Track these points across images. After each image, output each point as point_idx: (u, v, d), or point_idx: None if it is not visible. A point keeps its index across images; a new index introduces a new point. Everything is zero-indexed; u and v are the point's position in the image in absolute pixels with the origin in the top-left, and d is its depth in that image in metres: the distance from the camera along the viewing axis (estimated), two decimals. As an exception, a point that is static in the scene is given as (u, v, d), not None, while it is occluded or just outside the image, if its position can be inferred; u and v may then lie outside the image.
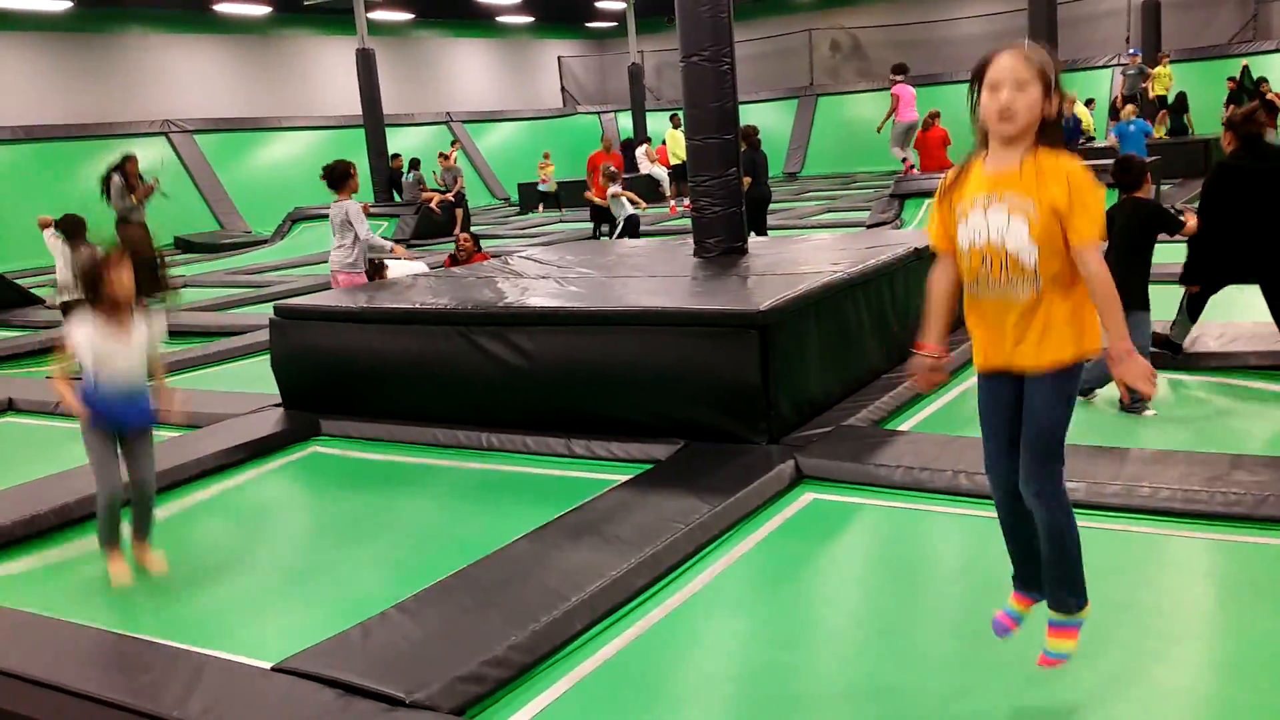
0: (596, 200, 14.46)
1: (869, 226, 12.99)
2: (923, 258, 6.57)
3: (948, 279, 2.59)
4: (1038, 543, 2.63)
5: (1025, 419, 2.48)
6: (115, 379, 3.93)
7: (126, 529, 4.22)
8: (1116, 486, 4.02)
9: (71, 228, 8.68)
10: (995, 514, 2.72)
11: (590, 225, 15.28)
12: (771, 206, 17.79)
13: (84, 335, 3.90)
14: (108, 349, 3.90)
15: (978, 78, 2.41)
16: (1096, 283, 2.38)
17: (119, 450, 4.07)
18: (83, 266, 3.88)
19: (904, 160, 15.39)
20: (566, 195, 20.83)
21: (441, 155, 19.99)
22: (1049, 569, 2.63)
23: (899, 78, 15.21)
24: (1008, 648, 2.98)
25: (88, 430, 4.00)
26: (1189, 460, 4.21)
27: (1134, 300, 4.92)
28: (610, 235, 14.98)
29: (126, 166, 11.38)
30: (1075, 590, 2.63)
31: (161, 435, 6.11)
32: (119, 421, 4.01)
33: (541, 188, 21.90)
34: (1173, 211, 5.44)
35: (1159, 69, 19.29)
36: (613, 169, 13.99)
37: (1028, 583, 2.77)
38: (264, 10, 23.52)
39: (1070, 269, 2.41)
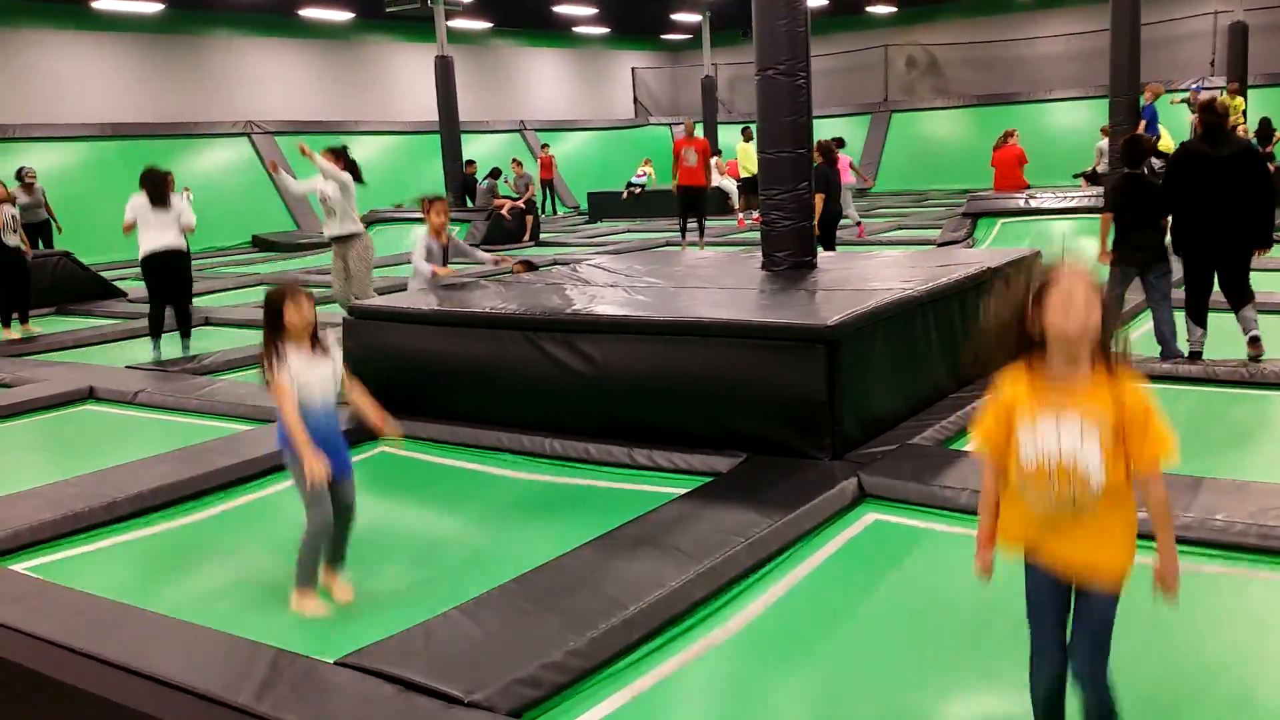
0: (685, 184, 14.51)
1: (940, 244, 12.85)
2: (995, 278, 6.48)
3: (998, 487, 2.57)
4: None
5: (1082, 612, 2.49)
6: (315, 412, 3.84)
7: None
8: (1189, 518, 3.92)
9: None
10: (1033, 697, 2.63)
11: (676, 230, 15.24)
12: (841, 222, 17.74)
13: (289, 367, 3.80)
14: (305, 378, 3.82)
15: (1039, 295, 2.40)
16: (1160, 506, 2.43)
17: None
18: (266, 301, 3.88)
19: (856, 223, 15.66)
20: (651, 203, 21.23)
21: (516, 161, 20.19)
22: None
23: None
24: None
25: (295, 461, 3.85)
26: (1266, 492, 4.10)
27: (1155, 254, 6.29)
28: (700, 233, 14.95)
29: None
30: None
31: (228, 428, 6.27)
32: (325, 449, 3.84)
33: (639, 180, 22.45)
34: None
35: (1229, 100, 18.75)
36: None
37: None
38: (347, 16, 23.99)
39: (1124, 484, 2.41)
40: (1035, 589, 2.55)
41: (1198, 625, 3.35)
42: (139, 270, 8.94)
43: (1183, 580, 3.61)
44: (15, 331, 10.35)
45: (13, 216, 10.28)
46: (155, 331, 8.87)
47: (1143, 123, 15.57)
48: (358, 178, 9.45)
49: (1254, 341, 6.31)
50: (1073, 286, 2.36)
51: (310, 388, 3.83)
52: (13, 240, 10.26)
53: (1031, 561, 2.54)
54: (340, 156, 9.46)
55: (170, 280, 8.70)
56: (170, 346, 8.90)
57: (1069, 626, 2.54)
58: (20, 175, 15.20)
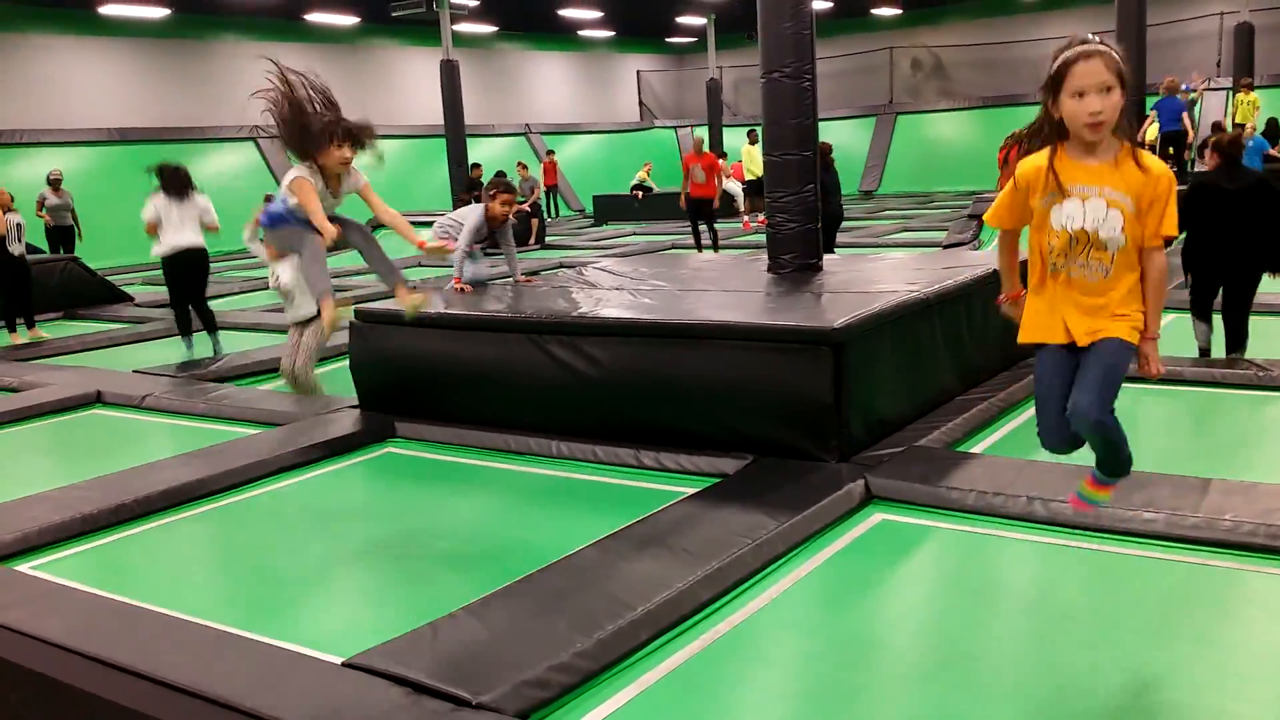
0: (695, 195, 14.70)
1: (945, 247, 12.84)
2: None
3: (1013, 250, 2.91)
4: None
5: (1086, 362, 2.68)
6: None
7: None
8: (1197, 519, 3.92)
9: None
10: (1059, 535, 3.02)
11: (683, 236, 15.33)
12: (847, 224, 17.73)
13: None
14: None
15: (1057, 81, 2.52)
16: (1159, 274, 2.67)
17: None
18: (306, 124, 5.02)
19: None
20: (657, 206, 21.27)
21: (521, 164, 20.23)
22: (1103, 463, 2.91)
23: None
24: (1076, 680, 2.93)
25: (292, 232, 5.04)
26: (1274, 493, 4.09)
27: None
28: (714, 239, 15.04)
29: None
30: (1122, 472, 2.93)
31: (236, 432, 6.29)
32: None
33: (646, 182, 22.59)
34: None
35: (1241, 96, 18.73)
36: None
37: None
38: (352, 20, 24.05)
39: (1134, 258, 2.64)
40: (1045, 368, 2.77)
41: (1205, 625, 3.35)
42: (152, 272, 8.98)
43: (1192, 578, 3.62)
44: (22, 336, 10.39)
45: (17, 225, 10.27)
46: (185, 330, 8.94)
47: (1152, 115, 15.51)
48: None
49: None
50: (1088, 72, 2.50)
51: (327, 203, 5.04)
52: (16, 249, 10.23)
53: (1047, 343, 2.76)
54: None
55: (192, 278, 8.70)
56: (201, 347, 8.95)
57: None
58: (49, 178, 15.34)
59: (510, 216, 7.20)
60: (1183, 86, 17.39)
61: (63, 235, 15.47)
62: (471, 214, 7.23)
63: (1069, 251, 2.61)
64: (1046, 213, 2.66)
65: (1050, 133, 2.62)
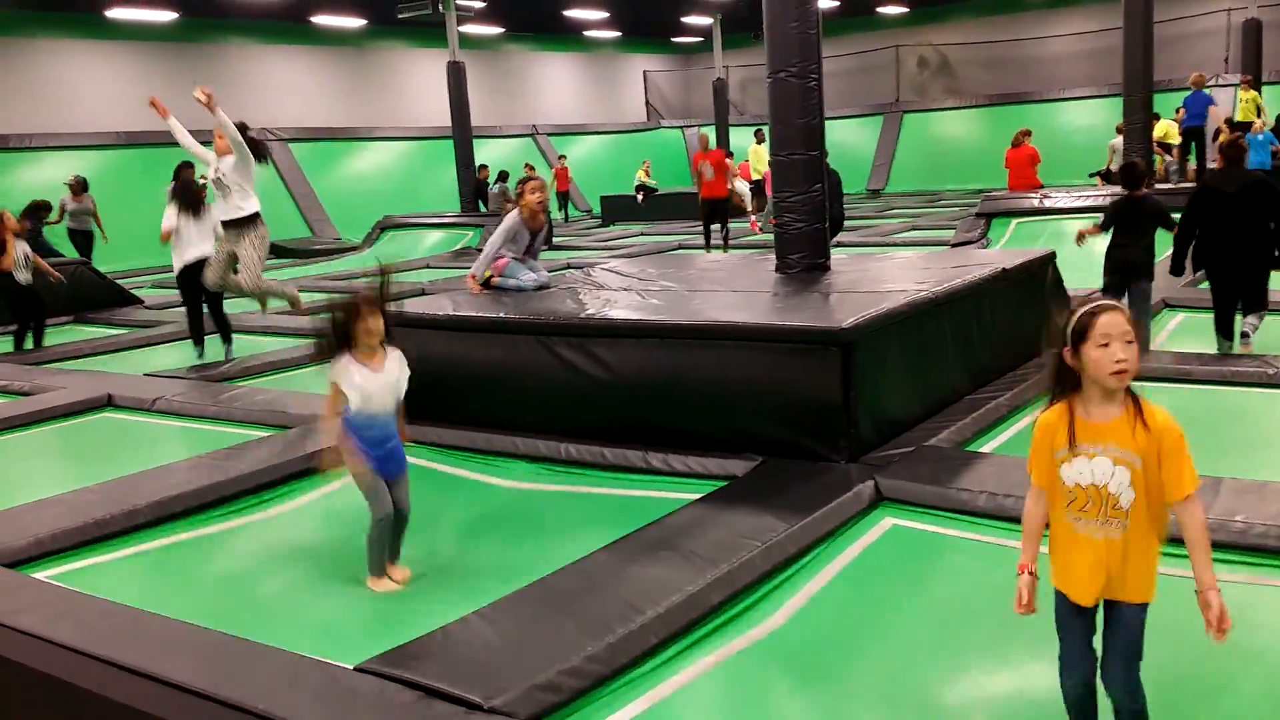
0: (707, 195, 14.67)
1: (954, 245, 12.82)
2: (1009, 277, 6.48)
3: (1042, 511, 2.73)
4: None
5: (1113, 626, 2.64)
6: (378, 417, 4.06)
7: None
8: (1209, 519, 3.90)
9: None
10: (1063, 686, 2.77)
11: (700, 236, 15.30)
12: (854, 224, 17.72)
13: (350, 375, 4.03)
14: (369, 388, 4.02)
15: (1080, 333, 2.53)
16: (1196, 529, 2.55)
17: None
18: (334, 316, 4.07)
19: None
20: (664, 206, 21.28)
21: (528, 166, 20.25)
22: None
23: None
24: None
25: (361, 461, 4.06)
26: (1285, 494, 4.08)
27: (1144, 272, 6.79)
28: (725, 238, 15.02)
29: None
30: None
31: (247, 435, 6.31)
32: (384, 465, 4.10)
33: (647, 183, 22.51)
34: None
35: (1241, 93, 18.64)
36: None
37: None
38: (359, 23, 24.09)
39: (1153, 513, 2.58)
40: (1065, 613, 2.69)
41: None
42: (162, 275, 9.05)
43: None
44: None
45: (25, 255, 10.18)
46: (197, 338, 9.03)
47: (1181, 111, 15.38)
48: (260, 157, 8.47)
49: (1243, 336, 6.76)
50: (1113, 323, 2.49)
51: (371, 395, 4.03)
52: (24, 277, 10.11)
53: (1062, 590, 2.69)
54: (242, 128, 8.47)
55: (206, 290, 8.78)
56: (212, 349, 9.00)
57: (1095, 637, 2.67)
58: (68, 183, 15.37)
59: (545, 220, 6.87)
60: (1208, 82, 17.34)
61: (84, 240, 15.49)
62: (506, 220, 6.87)
63: (1084, 509, 2.60)
64: (1057, 469, 2.64)
65: (1066, 387, 2.62)
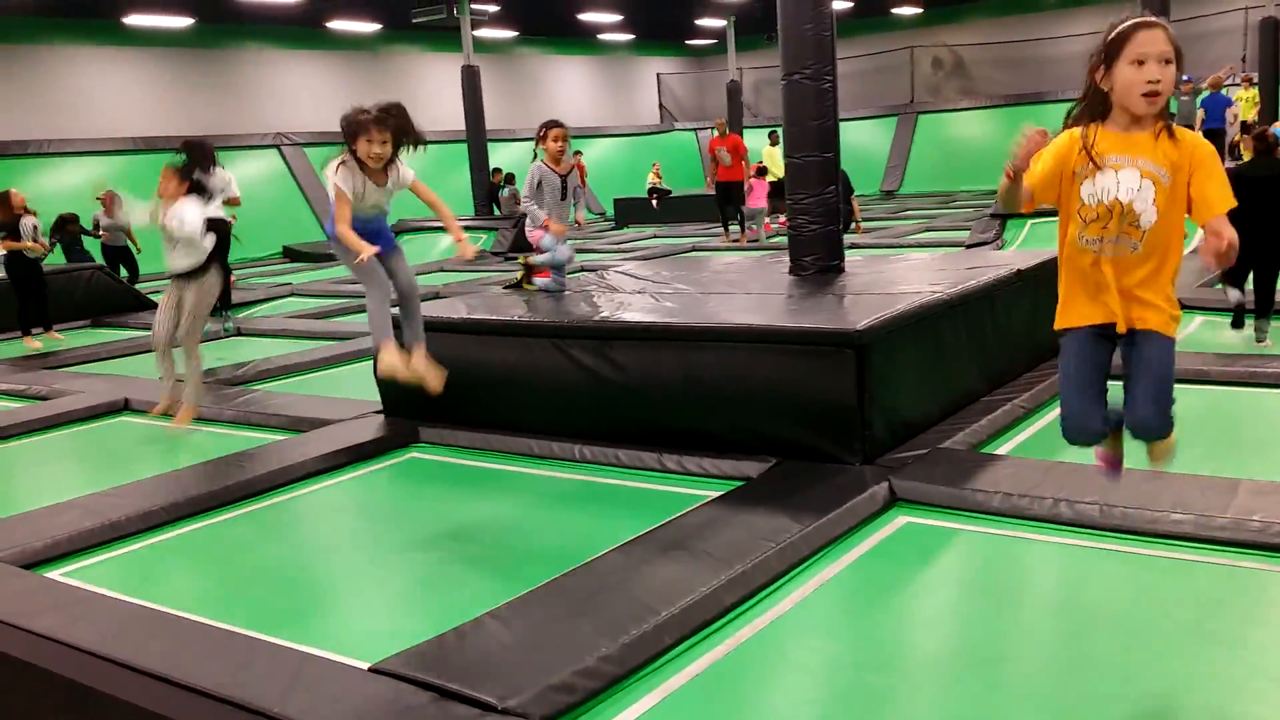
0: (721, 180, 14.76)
1: (969, 246, 12.77)
2: (1024, 280, 6.45)
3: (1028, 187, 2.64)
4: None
5: (1138, 370, 2.54)
6: (362, 217, 4.74)
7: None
8: (1226, 520, 3.88)
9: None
10: (1088, 537, 2.78)
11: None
12: (868, 225, 17.68)
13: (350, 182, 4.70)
14: (361, 191, 4.73)
15: (1115, 48, 2.40)
16: (1234, 239, 2.41)
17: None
18: (345, 119, 4.74)
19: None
20: (677, 207, 21.27)
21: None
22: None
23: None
24: (1103, 684, 2.91)
25: (345, 251, 4.73)
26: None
27: None
28: (742, 223, 15.06)
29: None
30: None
31: (263, 438, 6.34)
32: (377, 238, 4.77)
33: (659, 186, 22.54)
34: None
35: (1241, 92, 18.54)
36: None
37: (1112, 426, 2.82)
38: (374, 28, 24.19)
39: (1174, 238, 2.50)
40: (1075, 355, 2.61)
41: (1236, 628, 3.31)
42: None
43: (1221, 580, 3.59)
44: (38, 341, 10.47)
45: (33, 226, 10.39)
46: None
47: (1201, 113, 15.34)
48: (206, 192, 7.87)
49: (1259, 340, 7.02)
50: (1151, 40, 2.38)
51: (365, 200, 4.72)
52: (33, 253, 10.32)
53: (1078, 327, 2.60)
54: (185, 173, 7.62)
55: (216, 247, 8.83)
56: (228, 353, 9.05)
57: (1105, 388, 2.63)
58: (101, 197, 15.35)
59: (576, 165, 6.74)
60: (1226, 80, 17.27)
61: (120, 254, 15.38)
62: (530, 173, 6.75)
63: (1102, 228, 2.50)
64: (1077, 188, 2.55)
65: (1094, 107, 2.51)
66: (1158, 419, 2.53)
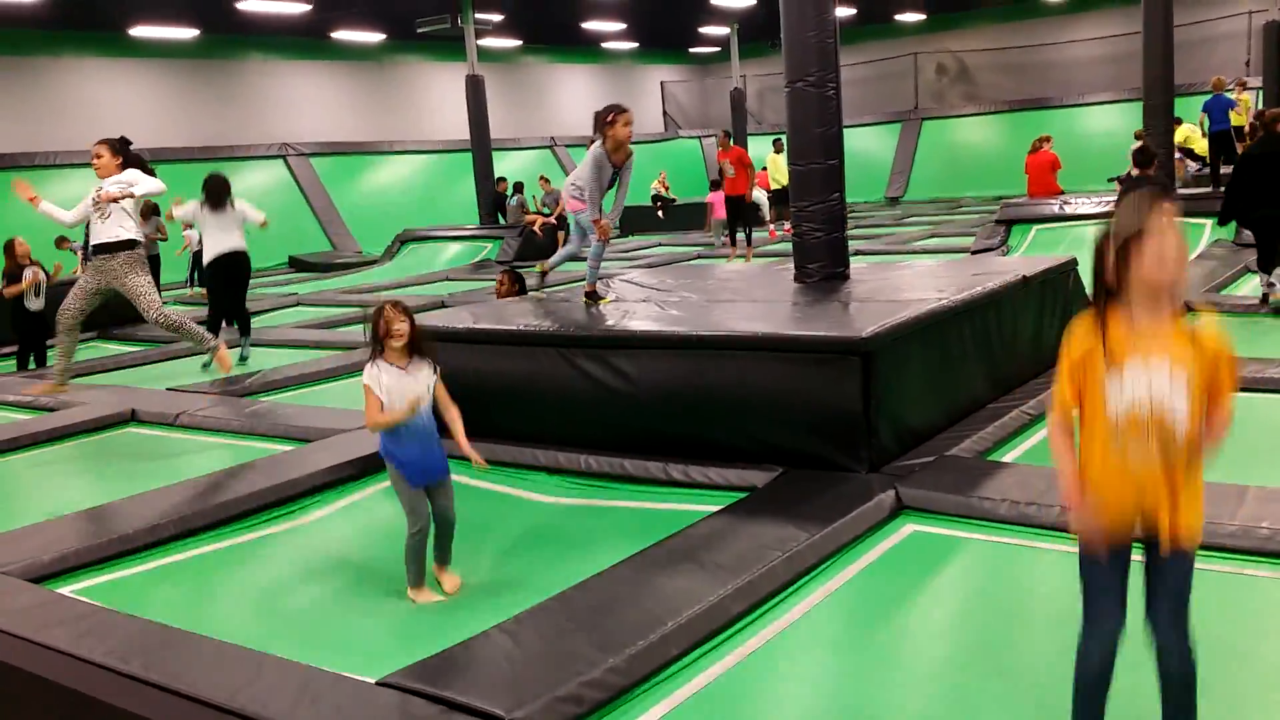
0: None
1: (974, 253, 12.77)
2: (1030, 286, 6.45)
3: (1071, 436, 2.50)
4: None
5: (1164, 575, 2.42)
6: (410, 422, 4.12)
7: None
8: (1234, 527, 3.87)
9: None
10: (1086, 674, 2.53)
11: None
12: (873, 231, 17.68)
13: (378, 376, 4.10)
14: (400, 389, 4.09)
15: (1133, 239, 2.32)
16: (1226, 419, 2.40)
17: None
18: (368, 316, 4.22)
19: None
20: (682, 216, 21.26)
21: (542, 178, 20.32)
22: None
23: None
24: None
25: (397, 472, 4.20)
26: (1313, 502, 4.03)
27: None
28: (748, 236, 15.10)
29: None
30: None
31: (271, 449, 6.34)
32: (422, 474, 4.20)
33: (664, 194, 22.52)
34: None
35: (1233, 96, 18.47)
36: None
37: None
38: (378, 38, 24.26)
39: (1198, 431, 2.38)
40: (1096, 573, 2.48)
41: (1243, 639, 3.30)
42: (181, 290, 9.10)
43: (1228, 588, 3.57)
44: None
45: (40, 284, 10.22)
46: (214, 326, 9.17)
47: (1203, 116, 15.35)
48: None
49: (1270, 286, 8.24)
50: (1169, 236, 2.31)
51: (400, 397, 4.09)
52: (35, 305, 10.13)
53: (1096, 544, 2.46)
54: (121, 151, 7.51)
55: (235, 278, 8.87)
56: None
57: (1125, 610, 2.48)
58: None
59: (630, 154, 6.42)
60: (1229, 84, 17.20)
61: (153, 265, 15.43)
62: (589, 157, 6.43)
63: (1132, 431, 2.34)
64: (1102, 389, 2.38)
65: (1105, 296, 2.40)
66: (1174, 628, 2.39)
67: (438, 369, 4.24)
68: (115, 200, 7.16)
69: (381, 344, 4.11)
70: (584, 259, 6.81)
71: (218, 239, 8.87)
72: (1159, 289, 2.33)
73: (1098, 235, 2.42)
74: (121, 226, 7.48)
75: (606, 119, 6.36)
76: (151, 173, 7.42)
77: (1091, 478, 2.44)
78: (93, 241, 7.15)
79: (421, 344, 4.17)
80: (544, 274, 7.34)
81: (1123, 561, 2.46)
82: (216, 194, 8.87)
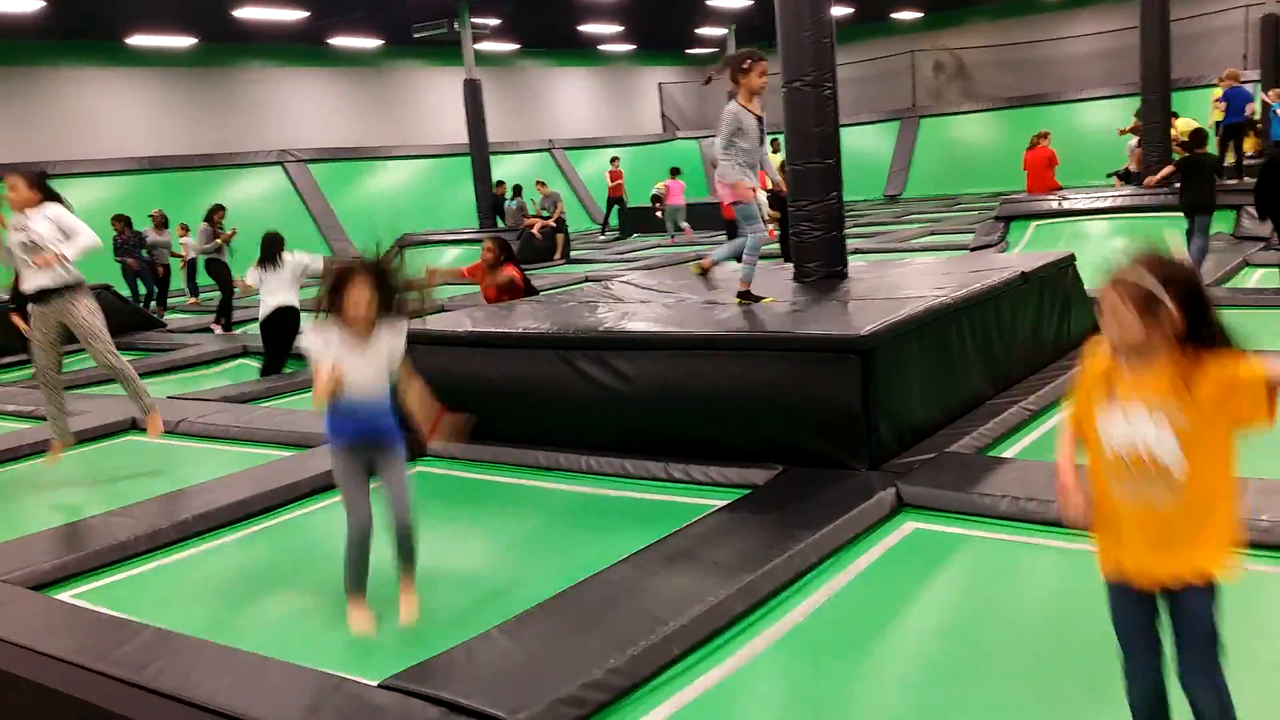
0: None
1: (973, 250, 12.77)
2: (1029, 282, 6.45)
3: (1074, 438, 2.45)
4: None
5: (1178, 620, 2.33)
6: (353, 401, 3.70)
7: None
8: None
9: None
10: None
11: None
12: (872, 229, 17.67)
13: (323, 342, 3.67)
14: (344, 361, 3.64)
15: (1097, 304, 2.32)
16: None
17: (370, 479, 3.84)
18: (326, 275, 3.72)
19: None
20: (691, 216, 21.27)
21: (539, 183, 20.32)
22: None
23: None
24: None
25: (334, 455, 3.81)
26: (1314, 493, 4.03)
27: (1206, 208, 9.66)
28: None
29: (214, 216, 12.65)
30: None
31: (269, 455, 6.34)
32: (355, 430, 3.74)
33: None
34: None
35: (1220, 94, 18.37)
36: None
37: None
38: (376, 43, 24.28)
39: (1214, 472, 2.26)
40: (1120, 610, 2.41)
41: (1241, 639, 3.30)
42: (180, 299, 9.10)
43: (1232, 581, 3.55)
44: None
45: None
46: (271, 372, 9.44)
47: (1223, 105, 15.29)
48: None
49: None
50: (1110, 301, 2.25)
51: (350, 375, 3.66)
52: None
53: (1115, 580, 2.39)
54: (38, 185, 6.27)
55: (285, 331, 9.09)
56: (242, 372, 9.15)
57: (1161, 639, 2.39)
58: (153, 214, 15.51)
59: (761, 113, 5.85)
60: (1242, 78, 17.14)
61: (163, 276, 15.49)
62: (727, 114, 5.91)
63: (1124, 474, 2.28)
64: (1095, 424, 2.31)
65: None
66: (1201, 675, 2.28)
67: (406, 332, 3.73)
68: (49, 265, 6.01)
69: (339, 308, 3.59)
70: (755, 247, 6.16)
71: (270, 295, 9.21)
72: (1119, 349, 2.28)
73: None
74: (62, 267, 6.14)
75: (742, 65, 5.73)
76: (70, 209, 6.28)
77: (1097, 524, 2.40)
78: (30, 289, 6.11)
79: (398, 301, 3.66)
80: (705, 271, 6.87)
81: (1140, 596, 2.36)
82: (268, 252, 9.25)
